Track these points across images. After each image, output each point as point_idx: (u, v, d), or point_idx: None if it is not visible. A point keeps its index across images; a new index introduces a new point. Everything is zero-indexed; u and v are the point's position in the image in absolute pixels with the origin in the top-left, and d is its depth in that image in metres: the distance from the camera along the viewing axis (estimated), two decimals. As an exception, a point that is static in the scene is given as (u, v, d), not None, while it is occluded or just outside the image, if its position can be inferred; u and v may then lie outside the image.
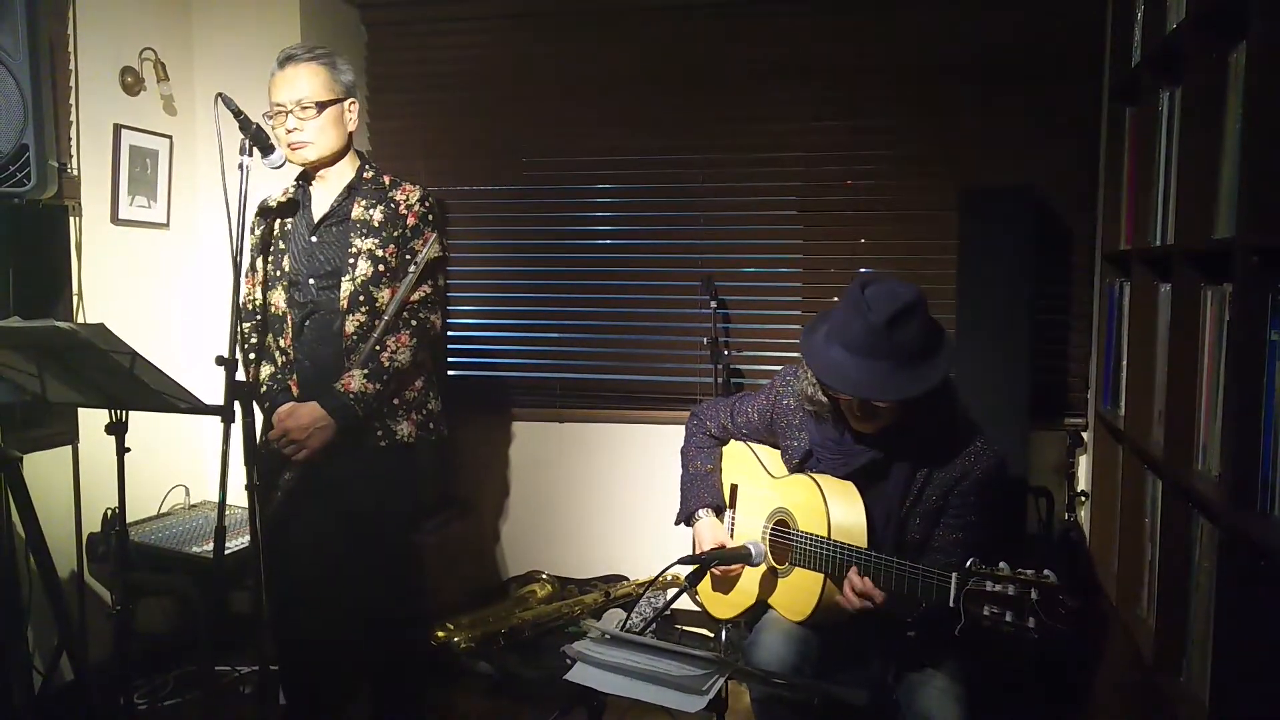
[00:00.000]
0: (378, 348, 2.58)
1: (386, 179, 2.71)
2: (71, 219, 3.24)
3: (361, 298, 2.60)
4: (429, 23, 4.12)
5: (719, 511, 2.53)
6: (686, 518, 2.55)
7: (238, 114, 2.42)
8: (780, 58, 3.80)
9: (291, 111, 2.58)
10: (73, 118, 3.25)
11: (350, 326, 2.60)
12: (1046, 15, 3.56)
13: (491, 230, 4.19)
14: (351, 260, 2.61)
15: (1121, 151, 3.13)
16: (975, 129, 3.66)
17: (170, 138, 3.65)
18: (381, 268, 2.61)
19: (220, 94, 2.40)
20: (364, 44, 4.19)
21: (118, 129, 3.42)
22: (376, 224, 2.63)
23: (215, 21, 3.82)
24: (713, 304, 3.68)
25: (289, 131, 2.60)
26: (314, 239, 2.66)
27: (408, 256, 2.63)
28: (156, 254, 3.65)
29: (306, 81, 2.59)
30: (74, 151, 3.26)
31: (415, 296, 2.63)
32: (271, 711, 2.55)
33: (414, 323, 2.63)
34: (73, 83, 3.25)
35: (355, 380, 2.55)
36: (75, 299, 3.24)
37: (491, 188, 4.16)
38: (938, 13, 3.66)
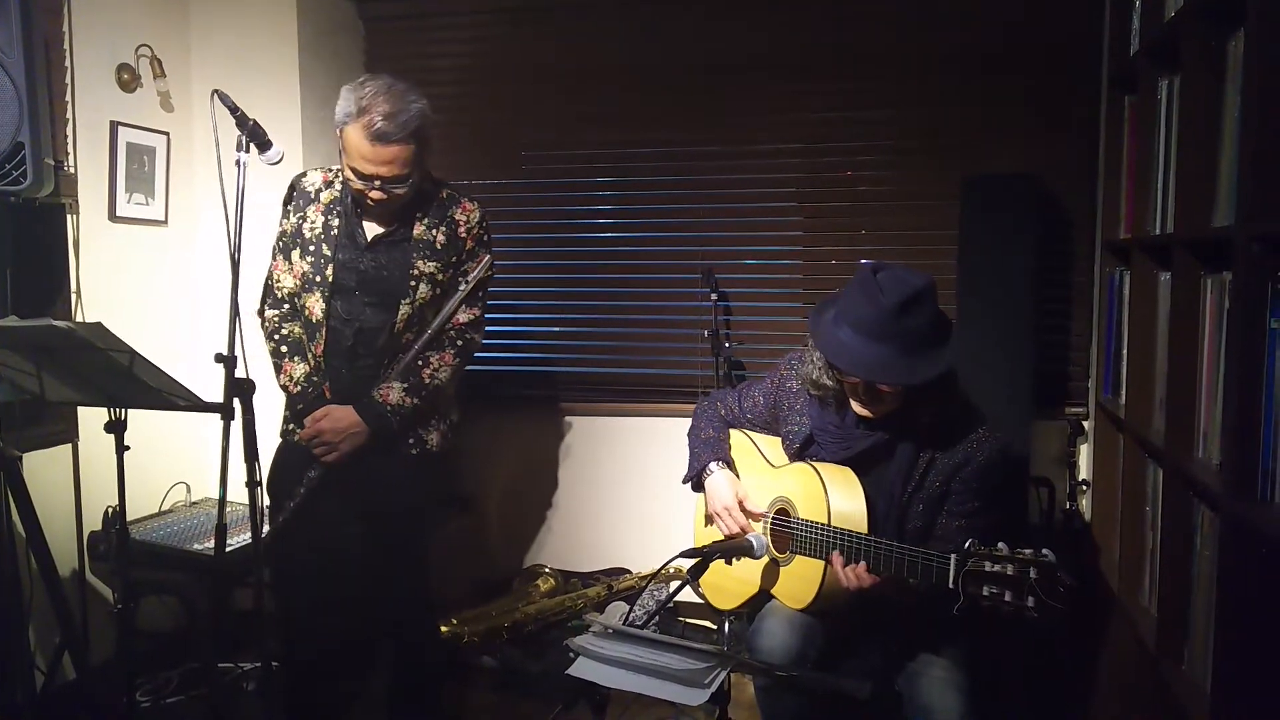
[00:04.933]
0: (419, 362, 2.58)
1: (444, 193, 2.65)
2: (69, 217, 3.24)
3: (416, 319, 2.60)
4: (426, 17, 4.11)
5: (730, 467, 2.50)
6: (697, 474, 2.51)
7: (234, 110, 2.40)
8: (779, 48, 3.79)
9: (380, 185, 2.47)
10: (69, 115, 3.24)
11: (398, 345, 2.61)
12: (1045, 3, 3.55)
13: (491, 224, 4.16)
14: (413, 284, 2.58)
15: (1121, 140, 3.12)
16: (975, 118, 3.65)
17: (167, 134, 3.64)
18: (439, 290, 2.61)
19: (216, 90, 2.39)
20: (361, 39, 4.17)
21: (114, 126, 3.40)
22: (439, 246, 2.61)
23: (212, 17, 3.80)
24: (713, 296, 3.68)
25: (374, 196, 2.49)
26: (367, 253, 2.61)
27: (459, 275, 2.63)
28: (155, 251, 3.64)
29: (401, 161, 2.47)
30: (70, 149, 3.25)
31: (465, 318, 2.64)
32: (275, 708, 2.55)
33: (460, 343, 2.65)
34: (68, 80, 3.23)
35: (394, 393, 2.56)
36: (73, 297, 3.23)
37: (490, 181, 4.14)
38: (936, 1, 3.65)
